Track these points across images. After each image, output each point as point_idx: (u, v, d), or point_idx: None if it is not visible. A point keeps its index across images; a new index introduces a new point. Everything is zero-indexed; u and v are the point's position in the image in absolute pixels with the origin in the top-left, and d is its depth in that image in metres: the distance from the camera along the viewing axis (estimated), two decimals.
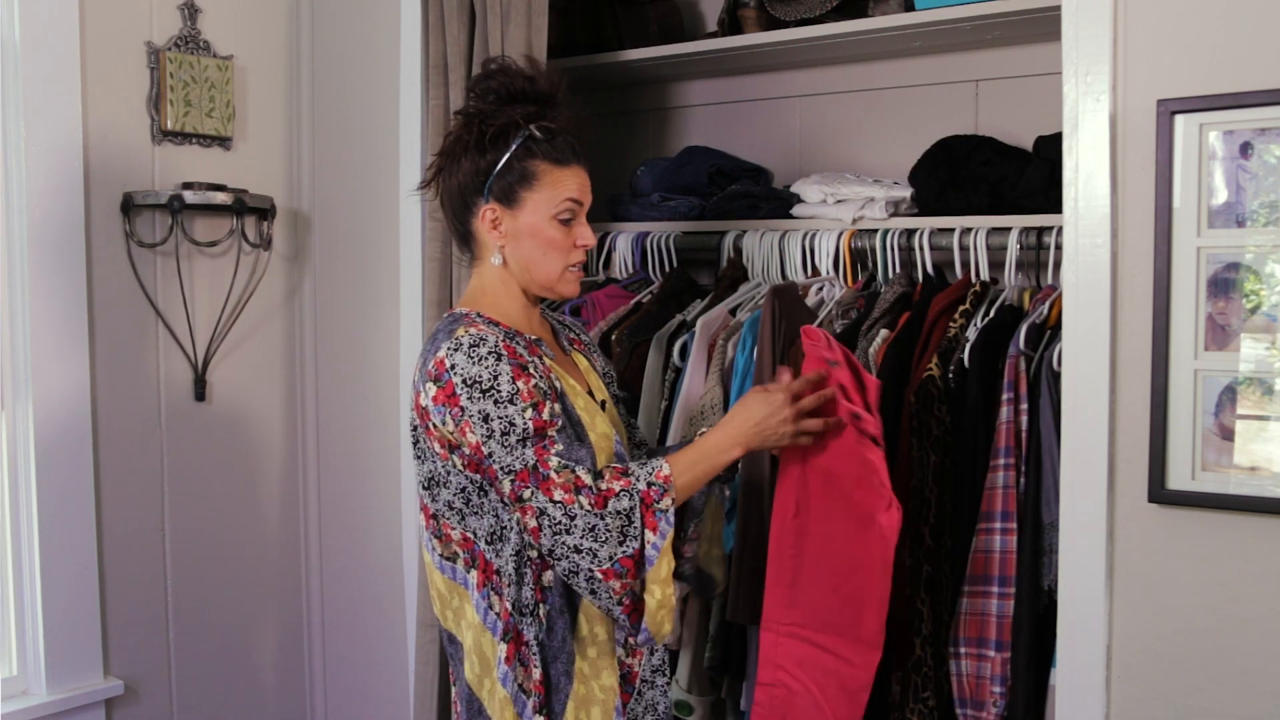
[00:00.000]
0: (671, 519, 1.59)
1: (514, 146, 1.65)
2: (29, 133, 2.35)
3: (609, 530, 1.55)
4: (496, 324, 1.67)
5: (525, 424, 1.56)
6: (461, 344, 1.58)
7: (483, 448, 1.57)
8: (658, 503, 1.58)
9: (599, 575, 1.56)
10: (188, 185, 2.56)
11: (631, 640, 1.67)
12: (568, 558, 1.56)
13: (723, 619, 2.20)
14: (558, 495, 1.55)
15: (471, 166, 1.68)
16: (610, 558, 1.56)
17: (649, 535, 1.57)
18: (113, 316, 2.52)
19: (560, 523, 1.55)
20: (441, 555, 1.69)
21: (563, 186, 1.67)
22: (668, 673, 1.78)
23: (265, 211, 2.73)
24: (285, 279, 2.87)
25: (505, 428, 1.55)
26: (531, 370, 1.60)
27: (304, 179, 2.88)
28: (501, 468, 1.57)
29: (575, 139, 1.69)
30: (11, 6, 2.34)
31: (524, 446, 1.56)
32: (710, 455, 1.68)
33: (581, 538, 1.55)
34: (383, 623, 2.79)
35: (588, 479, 1.57)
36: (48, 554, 2.40)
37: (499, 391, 1.56)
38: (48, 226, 2.39)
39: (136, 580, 2.59)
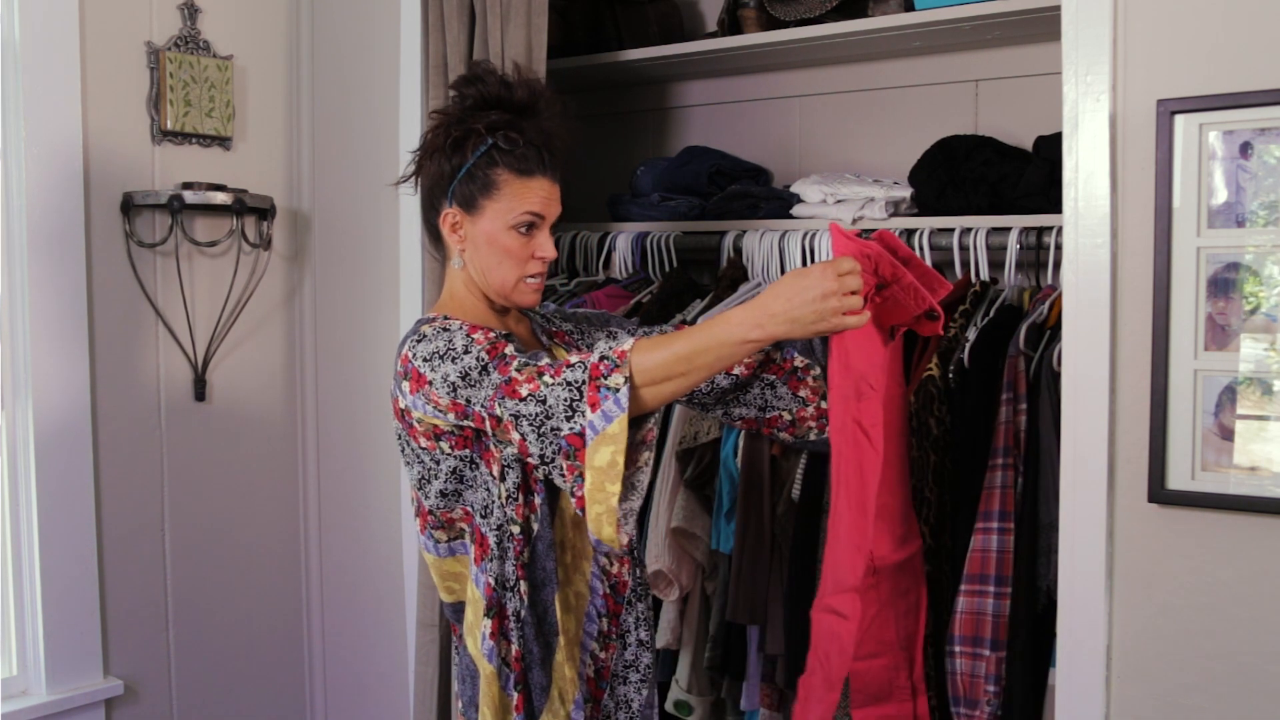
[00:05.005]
0: (622, 401, 1.46)
1: (476, 155, 1.66)
2: (29, 133, 2.35)
3: (558, 401, 1.49)
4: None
5: (481, 357, 1.55)
6: (425, 335, 1.62)
7: (458, 402, 1.56)
8: (605, 378, 1.47)
9: (566, 442, 1.48)
10: (188, 185, 2.56)
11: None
12: (550, 445, 1.50)
13: (722, 619, 2.20)
14: (524, 390, 1.51)
15: (438, 170, 1.69)
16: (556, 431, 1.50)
17: (589, 414, 1.47)
18: (113, 316, 2.52)
19: (538, 413, 1.50)
20: (450, 539, 1.71)
21: (523, 198, 1.67)
22: (641, 669, 1.77)
23: (265, 211, 2.73)
24: (285, 279, 2.87)
25: (463, 374, 1.55)
26: (490, 330, 1.61)
27: (304, 179, 2.88)
28: (481, 404, 1.55)
29: (547, 151, 1.69)
30: (11, 6, 2.34)
31: (488, 374, 1.54)
32: (717, 331, 1.48)
33: (555, 416, 1.49)
34: (383, 623, 2.79)
35: (547, 362, 1.53)
36: (47, 554, 2.40)
37: (454, 348, 1.57)
38: (48, 226, 2.39)
39: (136, 580, 2.59)
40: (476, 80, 1.71)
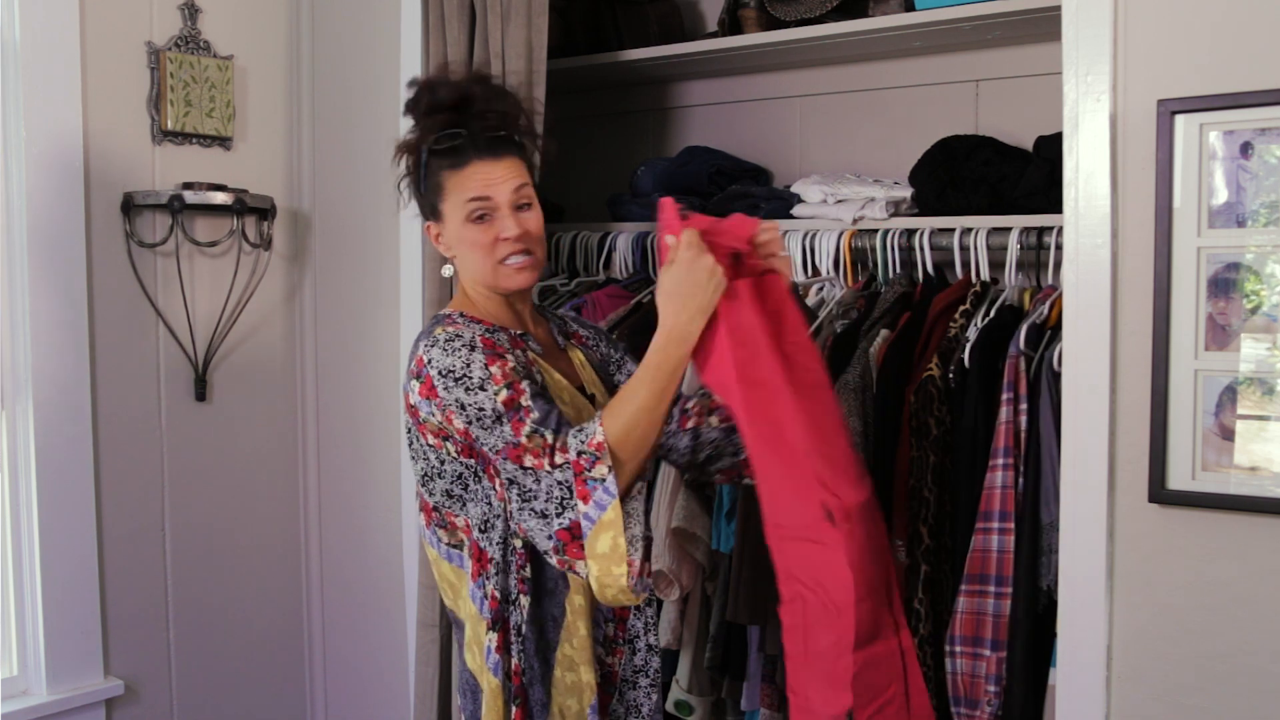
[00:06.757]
0: (612, 487, 1.52)
1: (422, 167, 1.70)
2: (29, 133, 2.35)
3: (549, 494, 1.54)
4: (479, 322, 1.70)
5: (496, 405, 1.57)
6: (438, 340, 1.62)
7: (470, 432, 1.59)
8: (588, 471, 1.53)
9: (556, 538, 1.54)
10: (188, 185, 2.56)
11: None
12: (535, 528, 1.55)
13: (723, 619, 2.20)
14: (527, 461, 1.54)
15: (414, 194, 1.75)
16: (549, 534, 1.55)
17: (581, 506, 1.52)
18: (113, 316, 2.52)
19: (529, 489, 1.55)
20: (449, 544, 1.72)
21: (464, 188, 1.68)
22: (650, 674, 1.77)
23: (265, 211, 2.73)
24: (285, 279, 2.87)
25: (478, 413, 1.57)
26: (509, 358, 1.62)
27: (304, 179, 2.88)
28: (488, 449, 1.59)
29: (480, 137, 1.68)
30: (11, 6, 2.34)
31: (500, 424, 1.57)
32: (655, 367, 1.58)
33: (545, 502, 1.54)
34: (383, 623, 2.79)
35: (553, 439, 1.56)
36: (48, 554, 2.40)
37: (470, 379, 1.58)
38: (48, 226, 2.39)
39: (136, 580, 2.59)
40: (412, 100, 1.73)
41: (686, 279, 1.56)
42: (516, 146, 1.72)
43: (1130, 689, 1.78)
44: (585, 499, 1.53)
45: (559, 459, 1.54)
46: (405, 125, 2.66)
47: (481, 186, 1.67)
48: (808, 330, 1.68)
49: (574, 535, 1.54)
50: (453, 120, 1.68)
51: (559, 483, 1.54)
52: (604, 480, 1.52)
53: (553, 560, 1.58)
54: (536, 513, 1.55)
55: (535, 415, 1.57)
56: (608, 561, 1.53)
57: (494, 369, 1.59)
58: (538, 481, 1.55)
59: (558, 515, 1.54)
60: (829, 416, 1.66)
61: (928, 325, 2.10)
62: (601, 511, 1.52)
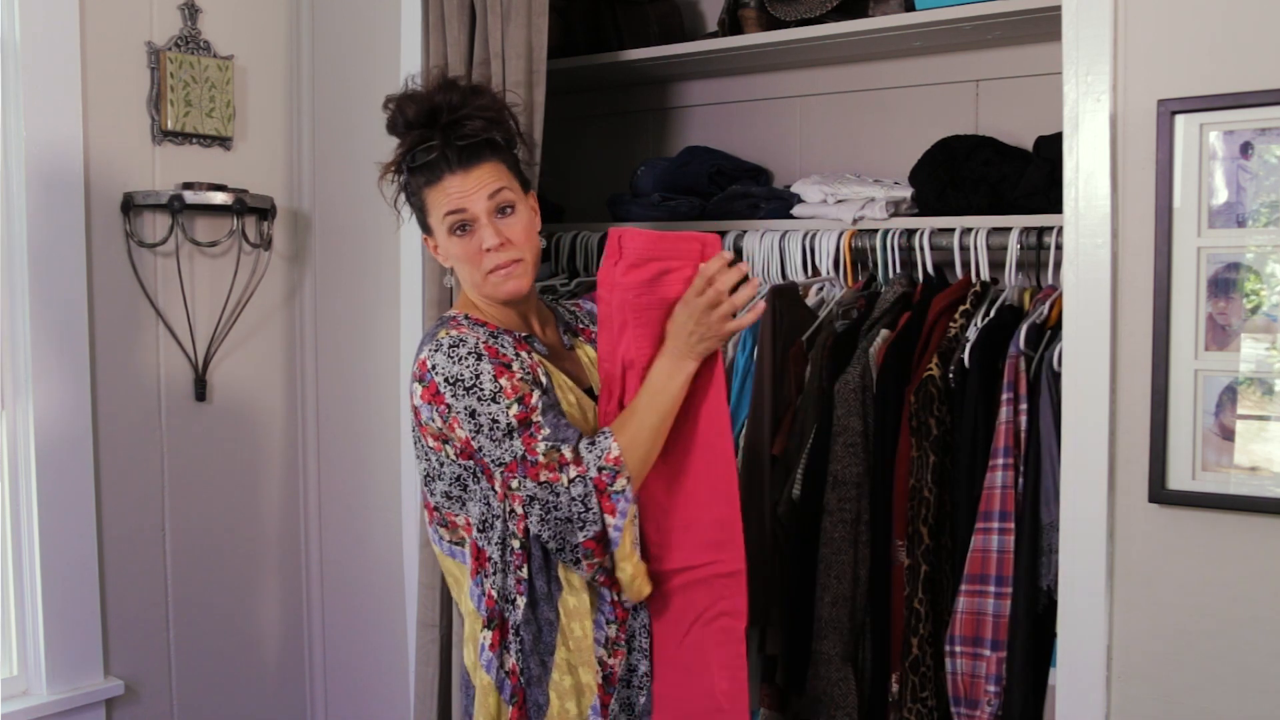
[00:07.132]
0: (630, 495, 1.62)
1: (405, 187, 1.75)
2: (29, 132, 2.35)
3: (571, 507, 1.60)
4: (483, 325, 1.71)
5: (509, 420, 1.60)
6: (441, 345, 1.63)
7: (472, 442, 1.61)
8: (611, 486, 1.61)
9: (583, 548, 1.61)
10: (188, 185, 2.56)
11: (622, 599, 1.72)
12: (557, 537, 1.61)
13: None
14: (543, 476, 1.59)
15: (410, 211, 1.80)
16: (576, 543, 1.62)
17: (608, 519, 1.60)
18: (113, 317, 2.52)
19: (549, 502, 1.59)
20: (451, 542, 1.73)
21: (440, 204, 1.70)
22: (640, 674, 1.78)
23: (265, 211, 2.73)
24: (285, 279, 2.87)
25: (490, 424, 1.60)
26: (515, 367, 1.63)
27: (304, 179, 2.88)
28: (492, 460, 1.61)
29: (451, 149, 1.68)
30: (11, 6, 2.34)
31: (511, 439, 1.60)
32: (660, 391, 1.65)
33: (568, 515, 1.60)
34: (383, 623, 2.79)
35: (570, 455, 1.61)
36: (48, 554, 2.40)
37: (481, 390, 1.60)
38: (47, 227, 2.39)
39: (136, 580, 2.59)
40: (390, 122, 1.74)
41: (711, 324, 1.64)
42: (495, 149, 1.71)
43: (1130, 689, 1.78)
44: (611, 512, 1.60)
45: (573, 473, 1.59)
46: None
47: (456, 200, 1.69)
48: (724, 390, 1.76)
49: (599, 541, 1.61)
50: (426, 135, 1.69)
51: (577, 497, 1.59)
52: (624, 491, 1.61)
53: (579, 568, 1.62)
54: (560, 524, 1.59)
55: (547, 431, 1.61)
56: (633, 553, 1.63)
57: (504, 381, 1.61)
58: (556, 495, 1.59)
59: (581, 528, 1.59)
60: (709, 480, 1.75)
61: (928, 325, 2.10)
62: (624, 519, 1.61)
